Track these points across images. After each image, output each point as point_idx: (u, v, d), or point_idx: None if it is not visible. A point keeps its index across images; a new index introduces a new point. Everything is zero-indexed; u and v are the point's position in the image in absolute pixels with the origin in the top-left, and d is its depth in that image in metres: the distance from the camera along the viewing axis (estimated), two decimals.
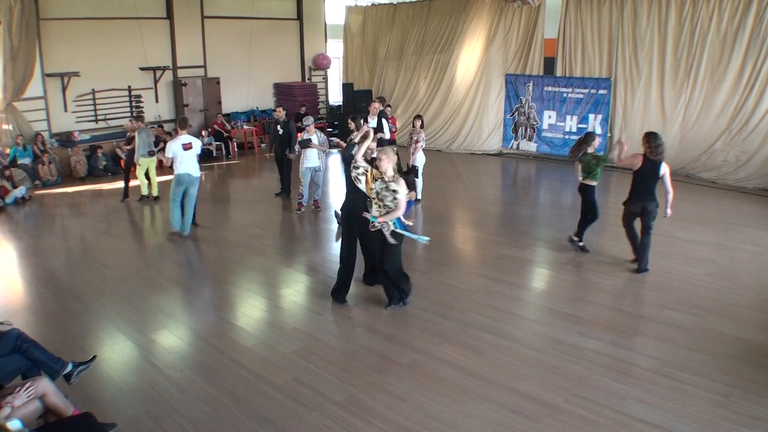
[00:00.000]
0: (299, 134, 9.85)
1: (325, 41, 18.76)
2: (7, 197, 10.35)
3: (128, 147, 10.49)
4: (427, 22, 15.93)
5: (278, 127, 10.19)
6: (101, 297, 6.32)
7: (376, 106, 10.13)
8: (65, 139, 12.76)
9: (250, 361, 4.91)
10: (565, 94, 13.28)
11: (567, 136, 13.42)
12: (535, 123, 13.92)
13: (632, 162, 6.66)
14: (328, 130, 16.01)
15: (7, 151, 11.69)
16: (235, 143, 15.22)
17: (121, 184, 10.72)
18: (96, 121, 13.47)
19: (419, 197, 9.85)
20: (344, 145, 7.58)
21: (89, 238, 8.72)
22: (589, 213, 7.31)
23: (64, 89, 12.85)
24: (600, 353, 4.95)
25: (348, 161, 5.93)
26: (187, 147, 8.07)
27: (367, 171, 5.80)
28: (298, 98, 16.42)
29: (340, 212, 6.30)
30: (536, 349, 5.06)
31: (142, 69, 14.09)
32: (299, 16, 17.74)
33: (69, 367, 4.11)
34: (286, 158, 10.22)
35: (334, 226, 7.92)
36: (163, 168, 10.76)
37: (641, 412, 4.11)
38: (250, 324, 5.70)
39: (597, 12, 12.63)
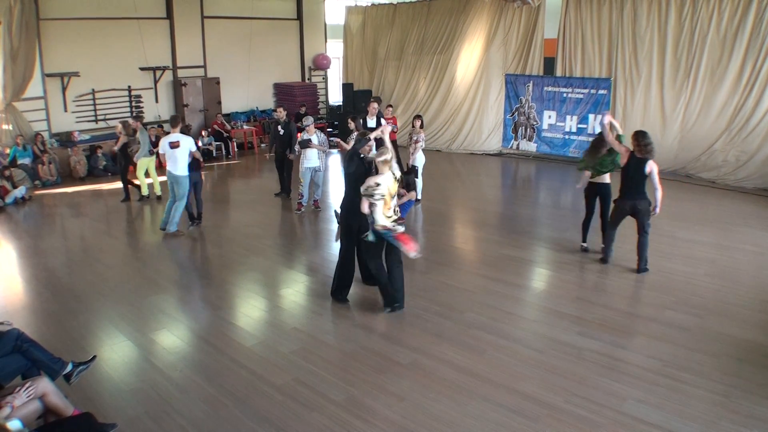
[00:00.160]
0: (299, 134, 9.86)
1: (325, 41, 18.75)
2: (7, 197, 10.35)
3: (115, 148, 10.47)
4: (427, 22, 15.93)
5: (279, 127, 10.19)
6: (101, 297, 6.31)
7: (375, 107, 10.14)
8: (65, 139, 12.76)
9: (250, 361, 4.91)
10: (565, 94, 13.28)
11: (567, 136, 13.43)
12: (535, 123, 13.92)
13: (620, 148, 6.71)
14: (328, 130, 16.01)
15: (7, 151, 11.69)
16: (235, 143, 15.22)
17: (120, 184, 10.71)
18: (96, 121, 13.47)
19: (419, 197, 9.85)
20: (345, 145, 7.58)
21: (89, 238, 8.72)
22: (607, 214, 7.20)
23: (64, 89, 12.85)
24: (600, 353, 4.96)
25: (352, 157, 5.88)
26: (173, 145, 8.08)
27: (384, 195, 5.47)
28: (298, 98, 16.42)
29: (339, 211, 6.29)
30: (536, 349, 5.06)
31: (142, 69, 14.09)
32: (299, 16, 17.74)
33: (69, 367, 4.11)
34: (287, 158, 10.23)
35: (334, 226, 7.92)
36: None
37: (641, 412, 4.11)
38: (250, 324, 5.70)
39: (597, 12, 12.63)
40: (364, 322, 5.69)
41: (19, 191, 10.53)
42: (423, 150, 9.75)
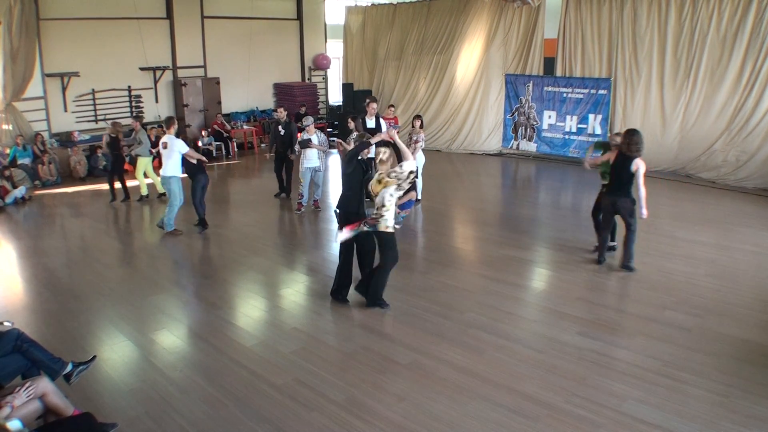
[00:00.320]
0: (299, 134, 9.86)
1: (325, 41, 18.76)
2: (7, 197, 10.35)
3: (103, 150, 10.53)
4: (427, 22, 15.93)
5: (279, 127, 10.19)
6: (101, 297, 6.32)
7: (374, 107, 10.14)
8: (65, 139, 12.77)
9: (250, 361, 4.91)
10: (564, 94, 13.28)
11: (567, 136, 13.43)
12: (535, 123, 13.92)
13: (609, 157, 6.81)
14: (328, 130, 16.00)
15: (7, 151, 11.69)
16: (234, 143, 15.22)
17: (120, 184, 10.71)
18: (96, 121, 13.47)
19: (419, 197, 9.85)
20: (345, 146, 7.58)
21: (89, 238, 8.72)
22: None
23: (64, 89, 12.86)
24: (600, 353, 4.96)
25: (352, 158, 5.88)
26: (163, 146, 8.30)
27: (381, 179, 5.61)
28: (298, 98, 16.42)
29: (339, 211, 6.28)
30: (536, 349, 5.06)
31: (141, 69, 14.10)
32: (299, 17, 17.75)
33: (69, 367, 4.11)
34: (288, 158, 10.23)
35: (334, 226, 7.92)
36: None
37: (641, 412, 4.11)
38: (250, 324, 5.70)
39: (597, 12, 12.64)
40: (364, 322, 5.69)
41: (19, 191, 10.53)
42: (423, 150, 9.75)
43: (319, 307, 6.02)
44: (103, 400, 4.35)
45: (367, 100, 10.21)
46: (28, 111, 12.33)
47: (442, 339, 5.24)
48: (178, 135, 8.57)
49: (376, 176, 5.71)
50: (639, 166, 6.45)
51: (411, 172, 5.52)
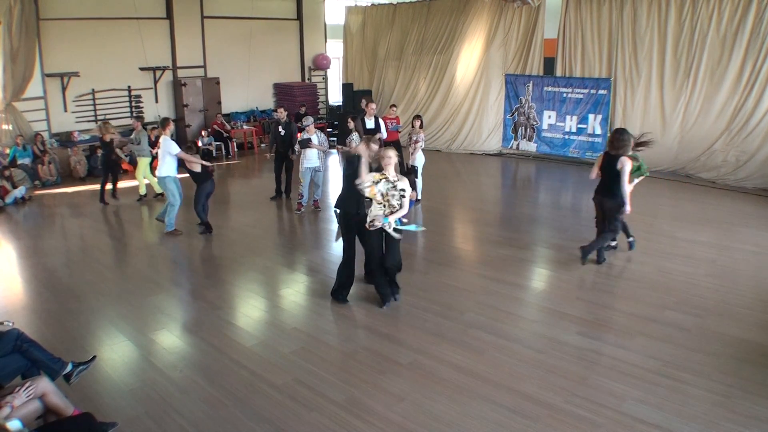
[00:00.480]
0: (299, 134, 9.86)
1: (325, 41, 18.76)
2: (7, 197, 10.35)
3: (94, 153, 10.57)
4: (427, 22, 15.93)
5: (279, 127, 10.19)
6: (101, 297, 6.31)
7: (373, 107, 10.15)
8: (65, 139, 12.77)
9: (250, 361, 4.91)
10: (564, 94, 13.28)
11: (567, 136, 13.43)
12: (534, 123, 13.92)
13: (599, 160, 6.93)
14: (328, 130, 16.00)
15: (7, 151, 11.69)
16: (234, 143, 15.22)
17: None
18: (96, 121, 13.45)
19: (419, 197, 9.86)
20: (347, 149, 7.60)
21: (89, 238, 8.72)
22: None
23: (63, 89, 12.86)
24: (600, 353, 4.96)
25: (352, 159, 5.88)
26: (156, 147, 8.44)
27: (372, 182, 5.64)
28: (297, 98, 16.42)
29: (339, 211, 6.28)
30: (536, 349, 5.06)
31: (141, 69, 14.10)
32: (299, 17, 17.75)
33: (69, 367, 4.11)
34: (288, 159, 10.23)
35: (334, 226, 7.92)
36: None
37: (641, 412, 4.11)
38: (250, 324, 5.70)
39: (597, 12, 12.64)
40: (364, 322, 5.69)
41: (19, 191, 10.53)
42: (423, 150, 9.76)
43: (319, 307, 6.02)
44: (103, 400, 4.35)
45: (365, 101, 10.23)
46: (28, 111, 12.33)
47: (442, 339, 5.24)
48: (177, 137, 8.59)
49: (371, 178, 5.66)
50: (624, 164, 6.51)
51: (402, 190, 5.59)
